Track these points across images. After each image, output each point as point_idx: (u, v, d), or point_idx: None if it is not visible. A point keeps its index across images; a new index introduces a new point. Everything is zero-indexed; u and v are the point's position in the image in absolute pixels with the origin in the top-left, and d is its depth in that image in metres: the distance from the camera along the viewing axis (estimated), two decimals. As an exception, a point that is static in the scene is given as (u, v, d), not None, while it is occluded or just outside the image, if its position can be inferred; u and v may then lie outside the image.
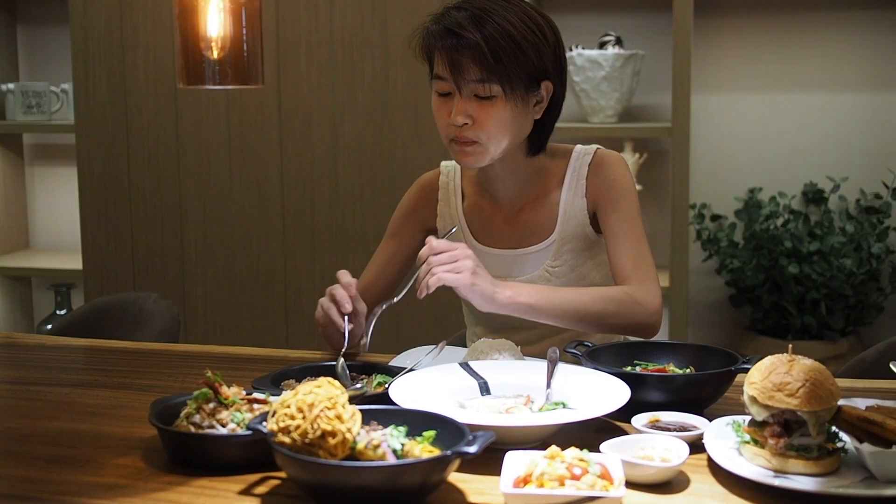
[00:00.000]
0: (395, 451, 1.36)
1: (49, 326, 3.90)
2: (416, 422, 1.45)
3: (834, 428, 1.46)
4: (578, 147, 2.20)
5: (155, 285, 3.71)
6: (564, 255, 2.15)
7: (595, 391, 1.66)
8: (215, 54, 1.46)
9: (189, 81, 1.49)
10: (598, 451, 1.43)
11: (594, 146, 2.19)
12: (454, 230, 2.09)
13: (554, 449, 1.37)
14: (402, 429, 1.42)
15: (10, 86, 4.09)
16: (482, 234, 2.21)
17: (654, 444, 1.49)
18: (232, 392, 1.57)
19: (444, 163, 2.30)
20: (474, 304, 1.91)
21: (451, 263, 1.88)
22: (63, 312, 4.04)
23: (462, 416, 1.50)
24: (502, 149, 2.05)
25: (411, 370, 1.80)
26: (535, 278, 2.15)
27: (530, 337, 2.15)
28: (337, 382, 1.40)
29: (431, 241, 1.91)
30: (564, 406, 1.64)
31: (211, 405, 1.54)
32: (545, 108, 2.08)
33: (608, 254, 2.09)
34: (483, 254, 2.19)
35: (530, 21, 2.01)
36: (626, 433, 1.58)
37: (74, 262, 3.98)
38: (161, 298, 2.71)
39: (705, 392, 1.74)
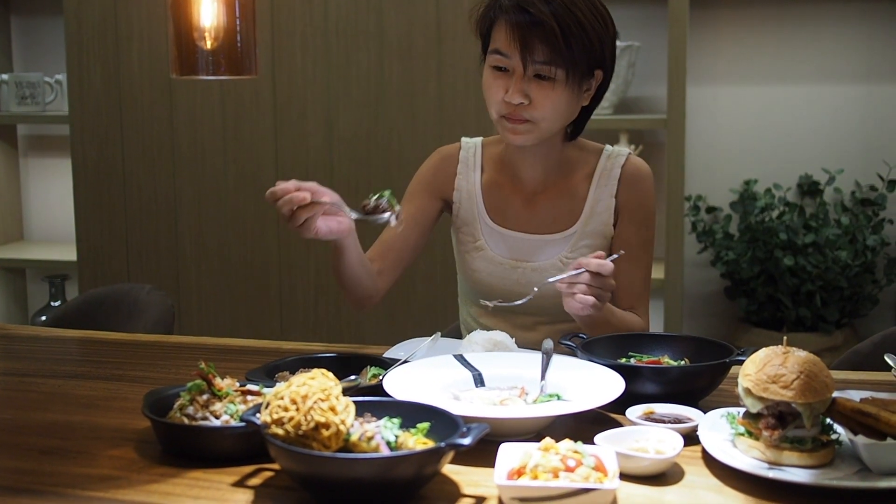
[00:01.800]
0: (388, 443, 1.36)
1: (43, 318, 3.90)
2: (410, 414, 1.45)
3: (828, 420, 1.46)
4: (608, 147, 2.22)
5: (149, 276, 3.70)
6: (581, 249, 2.14)
7: (590, 383, 1.66)
8: (209, 44, 1.45)
9: (182, 72, 1.48)
10: (593, 443, 1.43)
11: (626, 150, 2.22)
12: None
13: (548, 441, 1.37)
14: (396, 420, 1.41)
15: (4, 76, 4.08)
16: (498, 214, 2.21)
17: (649, 436, 1.49)
18: (225, 384, 1.57)
19: (464, 139, 2.30)
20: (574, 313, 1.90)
21: (600, 289, 1.87)
22: (57, 304, 4.04)
23: (456, 408, 1.50)
24: (552, 130, 2.07)
25: (405, 362, 1.80)
26: (547, 266, 2.15)
27: (526, 322, 2.15)
28: (330, 374, 1.40)
29: (605, 266, 1.86)
30: (559, 398, 1.64)
31: (204, 397, 1.54)
32: (592, 96, 2.11)
33: (619, 268, 2.04)
34: (496, 234, 2.19)
35: (595, 9, 2.02)
36: (620, 425, 1.58)
37: (69, 254, 3.97)
38: (155, 290, 2.71)
39: (700, 384, 1.74)
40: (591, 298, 1.85)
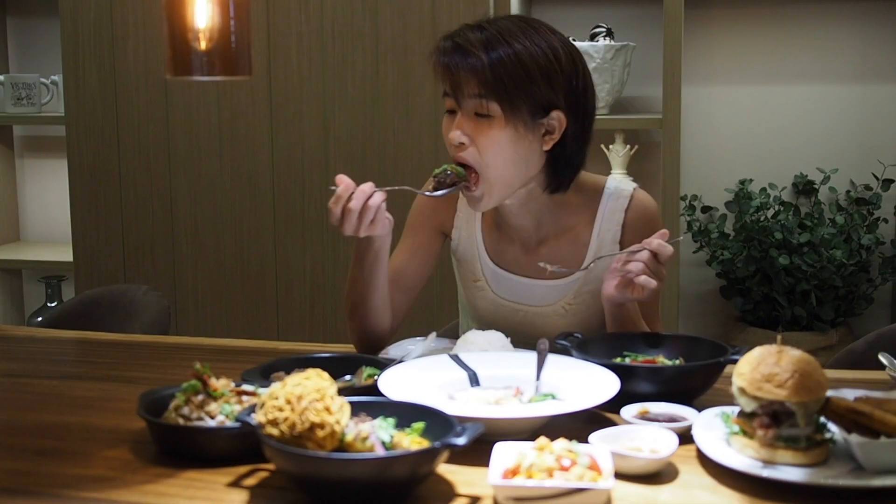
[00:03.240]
0: (383, 443, 1.36)
1: (40, 319, 3.90)
2: (405, 413, 1.45)
3: (822, 419, 1.46)
4: (610, 183, 2.13)
5: (145, 277, 3.70)
6: (583, 296, 2.10)
7: (584, 382, 1.66)
8: (203, 45, 1.45)
9: (176, 72, 1.48)
10: (587, 443, 1.44)
11: (630, 185, 2.13)
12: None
13: (543, 440, 1.37)
14: (391, 420, 1.42)
15: (0, 77, 4.07)
16: (498, 256, 2.16)
17: (644, 436, 1.49)
18: (221, 384, 1.56)
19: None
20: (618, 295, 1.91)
21: (660, 269, 1.87)
22: (54, 305, 4.03)
23: (451, 408, 1.50)
24: (506, 181, 1.98)
25: (401, 362, 1.80)
26: (548, 312, 2.11)
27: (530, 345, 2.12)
28: (325, 374, 1.40)
29: (666, 249, 1.87)
30: (554, 397, 1.64)
31: (199, 397, 1.54)
32: (557, 142, 1.98)
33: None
34: (498, 275, 2.15)
35: (547, 48, 1.94)
36: (615, 424, 1.58)
37: (65, 255, 3.97)
38: (151, 290, 2.71)
39: (694, 383, 1.74)
40: (653, 281, 1.85)
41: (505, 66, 1.91)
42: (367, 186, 1.90)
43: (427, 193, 1.99)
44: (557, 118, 1.97)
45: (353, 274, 2.06)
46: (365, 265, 2.02)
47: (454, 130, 1.96)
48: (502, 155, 1.95)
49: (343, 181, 1.91)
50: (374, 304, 2.06)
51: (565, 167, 2.03)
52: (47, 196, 4.36)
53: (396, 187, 2.02)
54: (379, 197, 1.91)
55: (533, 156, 1.99)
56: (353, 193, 1.90)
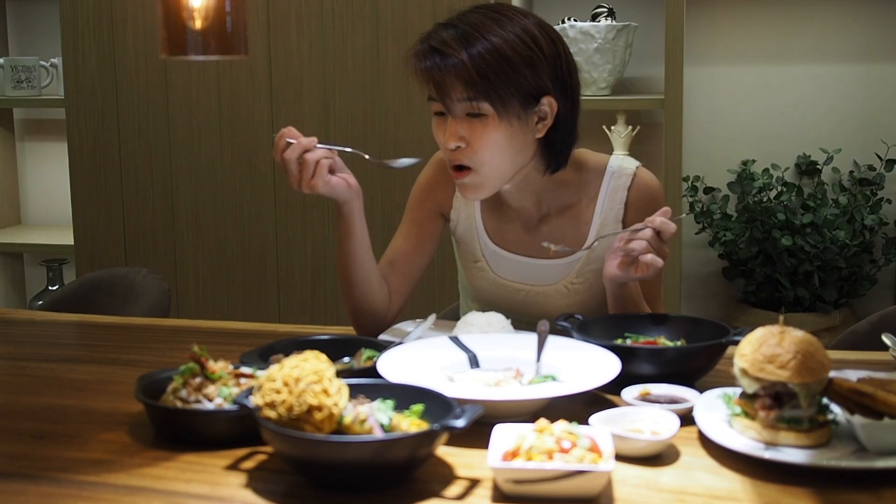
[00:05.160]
0: (382, 426, 1.35)
1: (40, 302, 3.89)
2: (404, 396, 1.44)
3: (825, 400, 1.45)
4: (613, 161, 2.10)
5: (146, 260, 3.70)
6: (587, 274, 2.08)
7: (585, 364, 1.65)
8: (198, 24, 1.44)
9: (171, 52, 1.46)
10: (588, 425, 1.43)
11: (633, 164, 2.10)
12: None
13: (543, 422, 1.36)
14: (390, 403, 1.41)
15: (0, 60, 4.06)
16: (498, 236, 2.14)
17: (645, 417, 1.48)
18: (219, 366, 1.55)
19: None
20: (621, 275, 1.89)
21: (662, 247, 1.85)
22: (55, 288, 4.03)
23: (450, 390, 1.49)
24: (502, 173, 1.96)
25: (400, 343, 1.78)
26: (550, 292, 2.10)
27: (531, 327, 2.11)
28: (323, 356, 1.39)
29: (669, 226, 1.85)
30: (554, 379, 1.63)
31: (197, 380, 1.53)
32: (550, 126, 1.96)
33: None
34: (498, 255, 2.13)
35: (525, 34, 1.90)
36: (616, 406, 1.57)
37: (66, 238, 3.96)
38: (151, 273, 2.70)
39: (696, 364, 1.73)
40: (660, 260, 1.83)
41: (487, 62, 1.87)
42: (307, 140, 1.90)
43: (369, 158, 1.98)
44: (549, 103, 1.94)
45: (336, 249, 2.06)
46: (339, 237, 2.01)
47: (449, 139, 1.93)
48: (499, 152, 1.93)
49: (290, 132, 1.91)
50: (356, 279, 2.04)
51: (561, 146, 2.00)
52: (48, 179, 4.35)
53: (346, 149, 1.98)
54: (320, 153, 1.90)
55: (526, 145, 1.97)
56: (292, 144, 1.90)
